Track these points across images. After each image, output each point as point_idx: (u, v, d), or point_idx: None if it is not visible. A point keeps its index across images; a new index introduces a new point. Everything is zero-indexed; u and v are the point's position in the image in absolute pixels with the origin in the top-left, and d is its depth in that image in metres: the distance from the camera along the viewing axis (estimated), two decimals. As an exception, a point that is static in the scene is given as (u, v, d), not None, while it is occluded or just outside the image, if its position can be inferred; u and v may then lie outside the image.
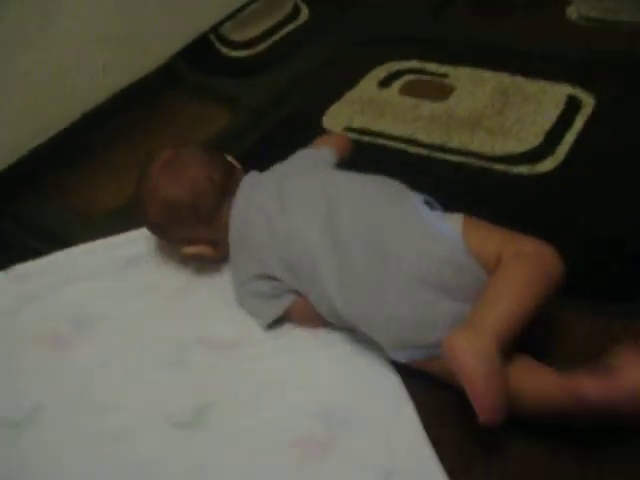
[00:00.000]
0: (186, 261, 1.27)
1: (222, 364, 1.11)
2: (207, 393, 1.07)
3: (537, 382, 0.92)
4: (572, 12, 1.88)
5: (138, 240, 1.33)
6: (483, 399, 0.88)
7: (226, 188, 1.19)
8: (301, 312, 1.14)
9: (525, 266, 0.97)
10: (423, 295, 0.99)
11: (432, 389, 1.02)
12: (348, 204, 1.10)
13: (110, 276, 1.29)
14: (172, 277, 1.27)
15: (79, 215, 1.47)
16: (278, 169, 1.25)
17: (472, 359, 0.88)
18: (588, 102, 1.52)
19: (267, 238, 1.13)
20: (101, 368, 1.13)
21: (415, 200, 1.09)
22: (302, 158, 1.27)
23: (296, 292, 1.13)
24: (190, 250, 1.23)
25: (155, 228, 1.26)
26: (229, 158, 1.27)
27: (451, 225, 1.04)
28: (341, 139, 1.40)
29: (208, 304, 1.21)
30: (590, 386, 0.87)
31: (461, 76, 1.68)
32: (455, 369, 0.89)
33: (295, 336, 1.13)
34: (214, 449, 1.00)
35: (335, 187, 1.14)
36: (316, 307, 1.10)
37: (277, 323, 1.15)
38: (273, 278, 1.14)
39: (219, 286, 1.23)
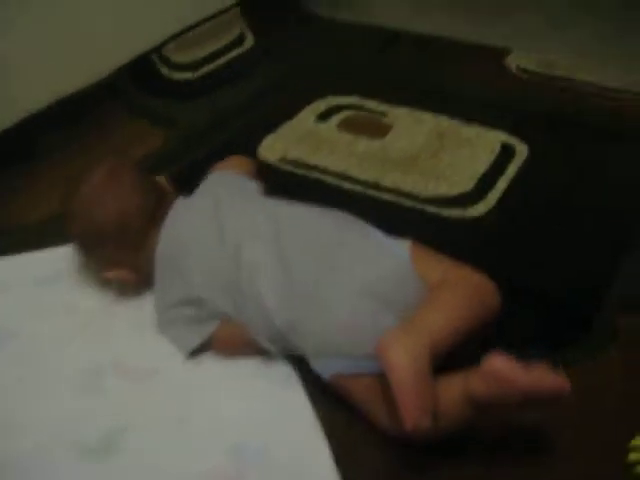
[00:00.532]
0: (106, 284, 1.24)
1: (135, 392, 1.07)
2: (119, 420, 1.03)
3: (447, 392, 0.93)
4: (511, 62, 1.92)
5: (60, 257, 1.29)
6: (412, 400, 0.87)
7: (155, 216, 1.17)
8: (224, 339, 1.11)
9: (463, 289, 1.01)
10: (366, 304, 0.99)
11: (350, 426, 1.01)
12: (295, 223, 1.11)
13: (27, 292, 1.24)
14: (91, 299, 1.23)
15: (3, 226, 1.42)
16: (208, 189, 1.24)
17: (405, 360, 0.88)
18: (521, 150, 1.55)
19: (197, 259, 1.12)
20: (7, 389, 1.09)
21: (365, 224, 1.12)
22: (228, 182, 1.26)
23: (222, 317, 1.11)
24: (111, 274, 1.20)
25: (78, 246, 1.23)
26: (162, 181, 1.26)
27: (400, 245, 1.07)
28: (246, 162, 1.39)
29: (126, 329, 1.17)
30: (475, 381, 0.90)
31: (399, 115, 1.70)
32: (387, 369, 0.89)
33: (214, 366, 1.10)
34: (123, 477, 0.96)
35: (278, 209, 1.15)
36: (249, 326, 1.07)
37: (198, 351, 1.12)
38: (199, 303, 1.11)
39: (139, 311, 1.19)
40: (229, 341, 1.11)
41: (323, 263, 1.04)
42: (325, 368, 1.01)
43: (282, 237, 1.09)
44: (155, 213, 1.18)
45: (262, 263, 1.07)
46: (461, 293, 1.00)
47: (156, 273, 1.17)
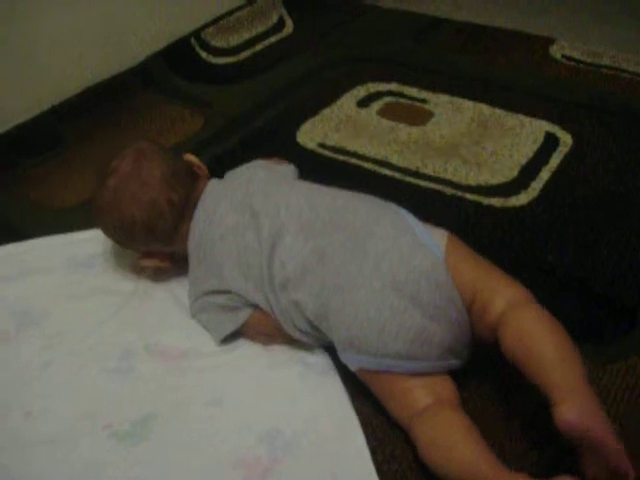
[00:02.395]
0: (141, 270, 1.23)
1: (169, 375, 1.06)
2: (150, 404, 1.02)
3: (470, 450, 0.87)
4: (555, 51, 1.88)
5: (95, 239, 1.28)
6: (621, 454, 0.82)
7: (187, 204, 1.14)
8: (257, 326, 1.09)
9: (545, 317, 0.93)
10: (394, 301, 0.96)
11: (382, 415, 0.99)
12: (330, 210, 1.06)
13: (61, 274, 1.24)
14: (126, 280, 1.22)
15: (39, 208, 1.42)
16: (242, 175, 1.19)
17: (594, 421, 0.83)
18: (566, 140, 1.51)
19: (229, 251, 1.09)
20: (40, 369, 1.08)
21: (402, 209, 1.07)
22: (264, 168, 1.21)
23: (254, 306, 1.09)
24: (146, 263, 1.19)
25: (110, 238, 1.21)
26: (193, 160, 1.22)
27: (436, 240, 1.01)
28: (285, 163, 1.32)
29: (160, 311, 1.16)
30: None
31: (440, 103, 1.67)
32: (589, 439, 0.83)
33: (247, 352, 1.09)
34: (152, 463, 0.95)
35: (314, 195, 1.10)
36: (281, 317, 1.05)
37: (231, 337, 1.11)
38: (231, 294, 1.10)
39: (174, 293, 1.19)
40: (262, 329, 1.10)
41: (356, 255, 1.00)
42: (350, 361, 0.99)
43: (315, 226, 1.05)
44: (188, 199, 1.14)
45: (295, 256, 1.04)
46: (549, 323, 0.93)
47: (190, 261, 1.15)
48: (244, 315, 1.09)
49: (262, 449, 0.95)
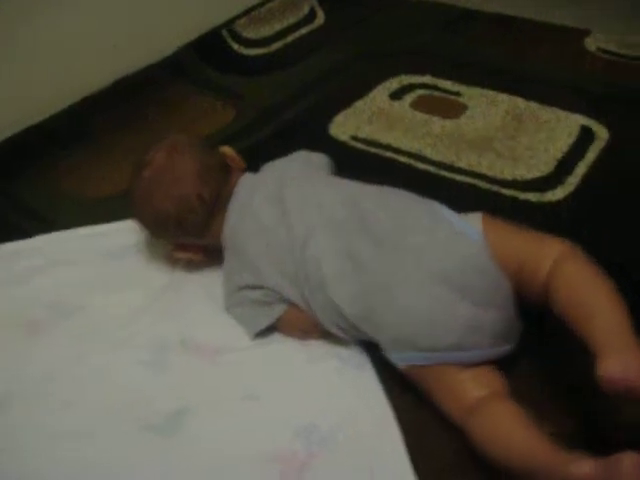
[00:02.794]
0: (175, 261, 1.23)
1: (204, 369, 1.06)
2: (185, 397, 1.02)
3: (525, 439, 0.86)
4: (590, 43, 1.85)
5: (128, 231, 1.28)
6: None
7: (219, 200, 1.14)
8: (293, 322, 1.09)
9: (592, 268, 0.94)
10: (442, 293, 0.95)
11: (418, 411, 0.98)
12: (364, 205, 1.06)
13: (95, 265, 1.24)
14: (160, 272, 1.22)
15: (71, 199, 1.42)
16: (276, 169, 1.19)
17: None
18: (602, 135, 1.49)
19: (264, 247, 1.09)
20: (75, 361, 1.08)
21: (435, 202, 1.07)
22: (301, 161, 1.22)
23: (289, 301, 1.08)
24: (179, 255, 1.19)
25: (144, 229, 1.22)
26: (229, 152, 1.22)
27: (472, 225, 1.00)
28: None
29: (195, 304, 1.16)
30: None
31: (474, 96, 1.65)
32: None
33: (283, 347, 1.08)
34: (187, 456, 0.95)
35: (347, 190, 1.10)
36: (319, 314, 1.04)
37: (266, 332, 1.10)
38: (265, 288, 1.09)
39: (208, 286, 1.18)
40: (297, 325, 1.09)
41: (395, 253, 1.00)
42: (400, 360, 0.98)
43: (349, 226, 1.04)
44: (220, 195, 1.14)
45: (329, 255, 1.03)
46: (592, 273, 0.94)
47: (225, 255, 1.15)
48: (279, 310, 1.09)
49: (299, 443, 0.94)
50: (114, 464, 0.95)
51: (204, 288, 1.18)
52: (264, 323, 1.09)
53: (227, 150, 1.22)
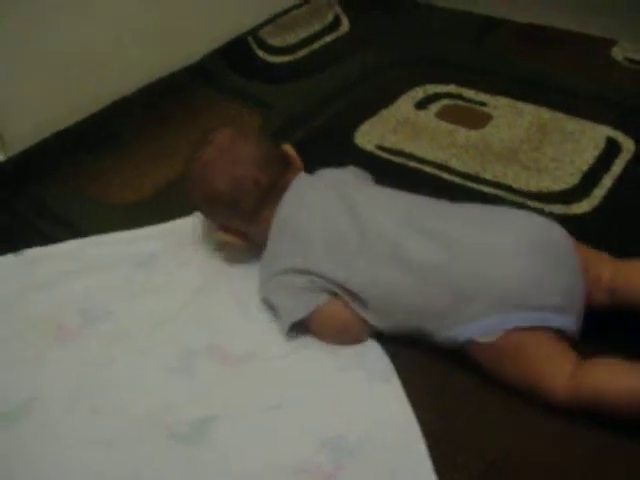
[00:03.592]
0: (219, 244, 1.25)
1: (230, 377, 1.06)
2: (211, 406, 1.02)
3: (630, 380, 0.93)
4: (617, 53, 1.84)
5: (156, 237, 1.30)
6: None
7: (273, 190, 1.16)
8: (331, 314, 1.09)
9: None
10: (542, 259, 1.00)
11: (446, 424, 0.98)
12: (425, 204, 1.12)
13: (123, 271, 1.25)
14: (187, 279, 1.23)
15: (98, 204, 1.43)
16: (331, 173, 1.23)
17: None
18: (628, 147, 1.48)
19: (322, 233, 1.10)
20: (102, 367, 1.09)
21: None
22: (351, 171, 1.25)
23: (334, 293, 1.09)
24: (223, 237, 1.21)
25: (196, 207, 1.25)
26: (289, 150, 1.24)
27: None
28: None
29: (223, 312, 1.16)
30: None
31: (499, 106, 1.65)
32: None
33: (310, 357, 1.08)
34: (211, 466, 0.95)
35: (401, 192, 1.15)
36: (375, 303, 1.06)
37: (295, 338, 1.10)
38: (314, 275, 1.09)
39: (237, 294, 1.19)
40: (333, 322, 1.09)
41: (481, 228, 1.05)
42: (501, 323, 0.98)
43: (418, 213, 1.09)
44: (275, 185, 1.16)
45: (411, 237, 1.05)
46: None
47: (271, 237, 1.15)
48: (320, 299, 1.09)
49: (324, 455, 0.94)
50: (139, 472, 0.95)
51: (232, 296, 1.19)
52: (301, 312, 1.08)
53: (289, 148, 1.25)
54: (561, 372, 0.96)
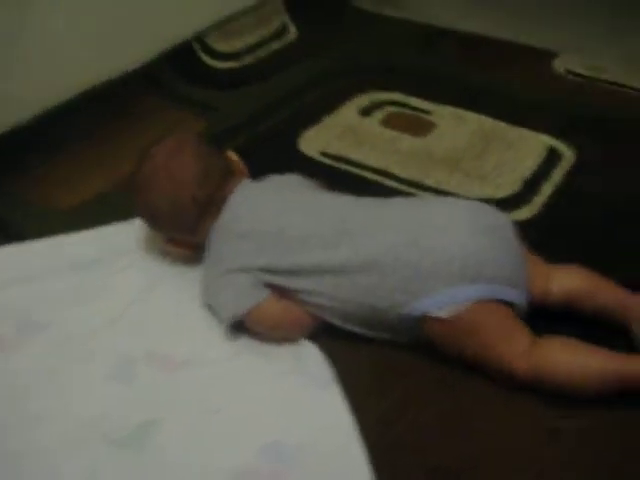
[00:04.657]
0: (163, 252, 1.25)
1: (170, 382, 1.05)
2: (151, 411, 1.01)
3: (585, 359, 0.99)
4: (559, 65, 1.88)
5: (96, 241, 1.28)
6: None
7: (213, 201, 1.15)
8: (274, 310, 1.09)
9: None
10: (491, 237, 1.05)
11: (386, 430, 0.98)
12: (369, 203, 1.15)
13: (61, 277, 1.22)
14: (126, 285, 1.21)
15: (40, 209, 1.41)
16: (275, 179, 1.24)
17: None
18: (568, 155, 1.51)
19: (270, 233, 1.11)
20: (39, 376, 1.06)
21: None
22: (296, 177, 1.26)
23: (280, 289, 1.10)
24: (169, 249, 1.22)
25: (142, 220, 1.24)
26: (233, 157, 1.24)
27: None
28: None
29: (163, 316, 1.15)
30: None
31: (443, 114, 1.66)
32: None
33: (250, 361, 1.08)
34: (151, 473, 0.94)
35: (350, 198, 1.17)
36: (332, 290, 1.06)
37: (236, 340, 1.10)
38: (263, 272, 1.09)
39: (177, 299, 1.18)
40: (278, 312, 1.09)
41: (427, 209, 1.12)
42: (457, 295, 1.00)
43: (364, 203, 1.14)
44: (214, 197, 1.16)
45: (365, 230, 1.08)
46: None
47: (216, 239, 1.15)
48: (265, 294, 1.09)
49: (262, 461, 0.93)
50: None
51: (173, 300, 1.18)
52: (245, 306, 1.08)
53: (232, 155, 1.25)
54: (519, 345, 1.00)
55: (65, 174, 1.50)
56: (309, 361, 1.06)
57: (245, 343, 1.10)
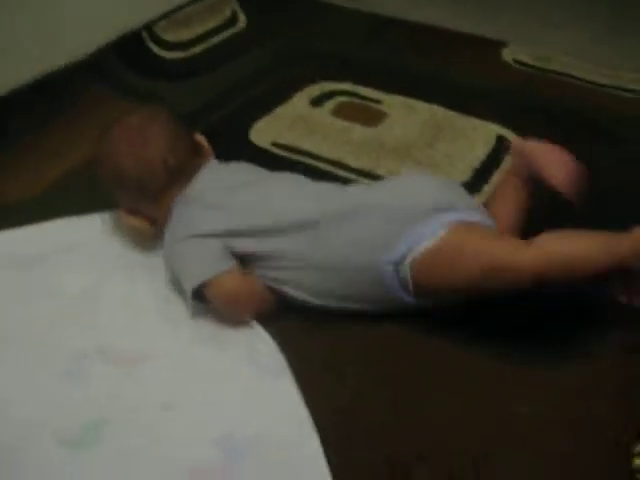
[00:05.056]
0: (125, 230, 1.24)
1: (122, 379, 1.03)
2: (102, 409, 0.99)
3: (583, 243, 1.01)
4: (507, 55, 1.90)
5: (41, 236, 1.25)
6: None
7: (181, 172, 1.16)
8: (236, 282, 1.08)
9: None
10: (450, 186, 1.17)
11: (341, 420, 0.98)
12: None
13: (11, 273, 1.20)
14: (78, 279, 1.19)
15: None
16: (234, 164, 1.25)
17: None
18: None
19: (243, 204, 1.12)
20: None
21: None
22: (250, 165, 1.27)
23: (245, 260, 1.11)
24: (129, 221, 1.20)
25: (104, 187, 1.22)
26: (201, 140, 1.25)
27: None
28: None
29: (113, 312, 1.13)
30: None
31: (394, 104, 1.67)
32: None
33: (201, 354, 1.07)
34: (104, 471, 0.92)
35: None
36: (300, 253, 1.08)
37: (187, 331, 1.09)
38: (232, 238, 1.09)
39: (129, 291, 1.16)
40: (240, 285, 1.08)
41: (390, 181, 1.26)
42: (439, 222, 1.03)
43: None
44: (183, 168, 1.16)
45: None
46: None
47: (186, 203, 1.15)
48: (228, 264, 1.08)
49: (216, 454, 0.93)
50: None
51: (122, 295, 1.16)
52: (207, 274, 1.07)
53: (200, 138, 1.26)
54: (513, 242, 1.04)
55: (13, 167, 1.47)
56: (262, 351, 1.06)
57: (198, 333, 1.10)
